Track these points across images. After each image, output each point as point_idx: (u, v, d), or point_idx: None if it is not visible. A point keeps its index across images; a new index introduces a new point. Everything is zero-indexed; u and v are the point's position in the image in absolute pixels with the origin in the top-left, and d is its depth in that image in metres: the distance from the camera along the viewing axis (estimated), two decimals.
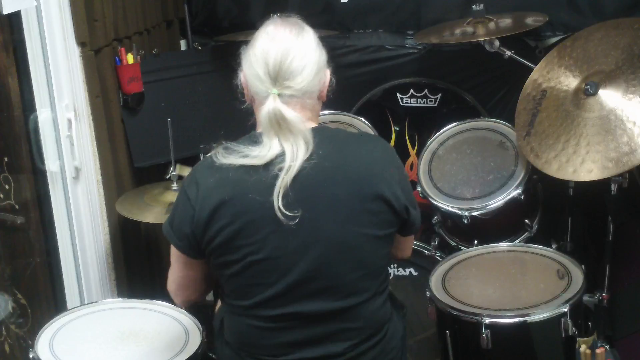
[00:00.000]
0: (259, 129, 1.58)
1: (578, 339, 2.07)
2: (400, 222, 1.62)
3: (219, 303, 1.87)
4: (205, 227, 1.53)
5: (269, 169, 1.51)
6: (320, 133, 1.56)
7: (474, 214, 2.39)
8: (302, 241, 1.52)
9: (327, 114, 2.76)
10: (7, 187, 2.28)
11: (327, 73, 1.64)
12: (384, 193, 1.54)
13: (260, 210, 1.50)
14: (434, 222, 2.59)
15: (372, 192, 1.54)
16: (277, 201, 1.48)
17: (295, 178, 1.49)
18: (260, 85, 1.55)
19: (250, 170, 1.51)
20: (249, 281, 1.56)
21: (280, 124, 1.51)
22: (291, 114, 1.52)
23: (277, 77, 1.53)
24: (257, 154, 1.51)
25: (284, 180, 1.48)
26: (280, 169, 1.49)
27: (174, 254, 1.64)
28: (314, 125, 1.60)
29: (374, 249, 1.59)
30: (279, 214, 1.48)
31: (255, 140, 1.55)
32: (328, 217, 1.52)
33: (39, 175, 2.33)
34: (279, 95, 1.53)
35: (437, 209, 2.50)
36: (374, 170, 1.56)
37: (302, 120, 1.53)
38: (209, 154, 1.58)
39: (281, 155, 1.50)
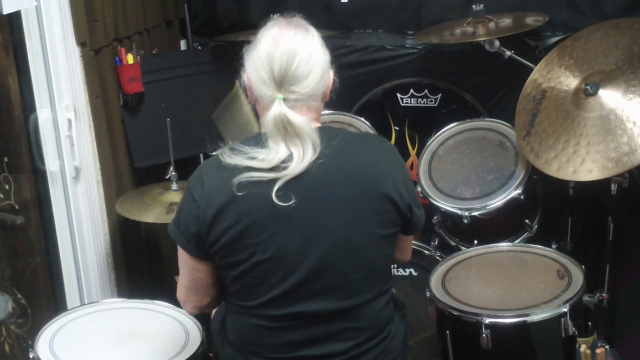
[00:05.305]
0: (264, 130, 1.57)
1: (578, 339, 2.07)
2: (404, 221, 1.62)
3: None
4: (210, 227, 1.52)
5: (275, 170, 1.50)
6: (325, 133, 1.55)
7: (474, 214, 2.39)
8: (307, 240, 1.52)
9: (327, 114, 2.75)
10: (7, 187, 2.28)
11: (331, 74, 1.62)
12: (389, 192, 1.55)
13: (265, 209, 1.50)
14: (434, 222, 2.59)
15: (377, 192, 1.54)
16: (272, 193, 1.48)
17: (301, 178, 1.49)
18: (265, 90, 1.54)
19: (257, 171, 1.50)
20: (254, 281, 1.56)
21: (287, 129, 1.50)
22: (298, 118, 1.51)
23: (283, 82, 1.52)
24: (263, 158, 1.50)
25: (283, 178, 1.48)
26: (286, 170, 1.49)
27: (182, 257, 1.62)
28: (318, 125, 1.60)
29: (378, 249, 1.59)
30: (275, 200, 1.48)
31: (261, 141, 1.54)
32: (334, 216, 1.52)
33: (39, 175, 2.33)
34: (284, 99, 1.52)
35: (437, 209, 2.50)
36: (379, 169, 1.56)
37: (308, 122, 1.53)
38: (214, 153, 1.57)
39: (288, 159, 1.50)
